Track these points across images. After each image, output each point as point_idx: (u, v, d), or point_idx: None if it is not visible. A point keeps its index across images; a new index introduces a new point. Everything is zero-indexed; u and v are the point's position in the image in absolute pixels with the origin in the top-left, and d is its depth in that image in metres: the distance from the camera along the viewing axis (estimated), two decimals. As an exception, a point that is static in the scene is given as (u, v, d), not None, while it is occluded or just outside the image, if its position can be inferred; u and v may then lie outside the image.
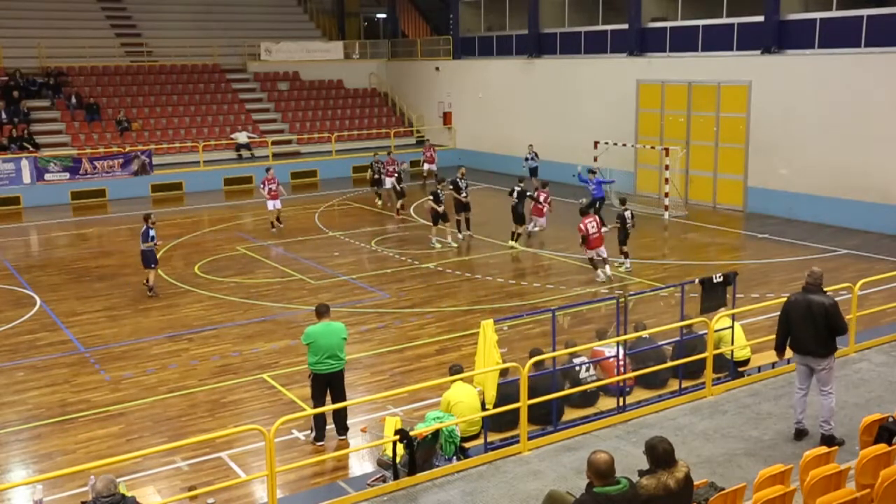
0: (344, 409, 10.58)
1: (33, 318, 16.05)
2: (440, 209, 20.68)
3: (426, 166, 30.34)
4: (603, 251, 17.50)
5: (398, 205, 25.13)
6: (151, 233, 17.11)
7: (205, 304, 16.76)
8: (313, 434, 10.57)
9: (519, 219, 20.70)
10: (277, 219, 23.28)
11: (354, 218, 25.08)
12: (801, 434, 8.93)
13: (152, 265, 17.35)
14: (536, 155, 28.25)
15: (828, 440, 8.63)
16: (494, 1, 35.12)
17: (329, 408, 10.27)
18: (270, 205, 23.06)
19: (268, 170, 23.90)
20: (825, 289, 9.01)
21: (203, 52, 37.05)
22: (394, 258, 20.10)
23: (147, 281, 17.32)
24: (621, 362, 10.32)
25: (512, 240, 20.78)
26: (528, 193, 20.97)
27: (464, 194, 21.32)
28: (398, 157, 27.66)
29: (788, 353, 9.44)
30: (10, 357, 14.02)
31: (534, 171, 27.81)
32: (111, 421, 11.43)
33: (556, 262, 19.68)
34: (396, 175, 25.67)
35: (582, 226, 17.37)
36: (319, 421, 10.52)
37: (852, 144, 21.57)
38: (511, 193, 20.71)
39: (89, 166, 29.02)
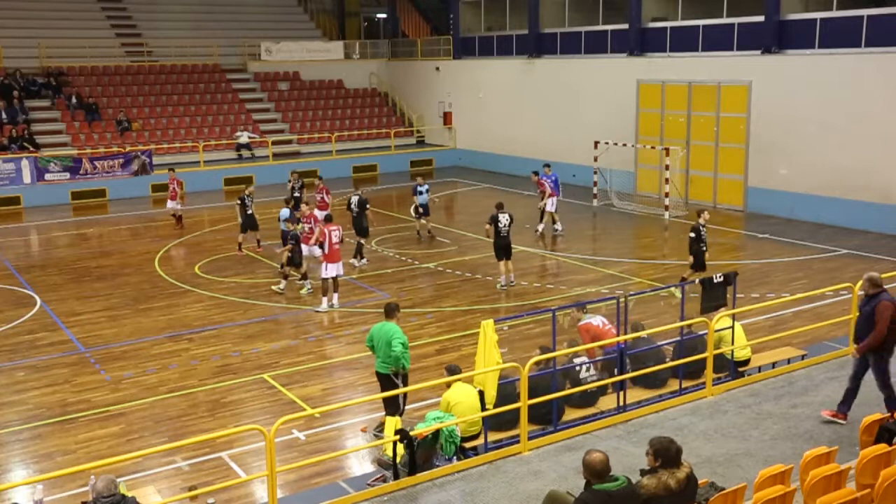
0: (404, 395, 10.41)
1: (33, 318, 16.05)
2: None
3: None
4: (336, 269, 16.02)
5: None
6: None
7: (205, 303, 16.77)
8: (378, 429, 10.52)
9: (700, 266, 15.84)
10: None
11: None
12: None
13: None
14: (428, 190, 22.12)
15: None
16: (494, 1, 35.12)
17: (391, 393, 10.11)
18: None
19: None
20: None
21: (203, 52, 37.06)
22: (394, 258, 20.10)
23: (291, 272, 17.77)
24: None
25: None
26: None
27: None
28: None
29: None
30: (11, 357, 14.02)
31: (424, 209, 21.91)
32: (111, 421, 11.44)
33: (556, 262, 19.68)
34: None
35: (326, 231, 15.76)
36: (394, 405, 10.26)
37: (852, 144, 21.57)
38: (697, 236, 15.89)
39: (89, 166, 29.04)
